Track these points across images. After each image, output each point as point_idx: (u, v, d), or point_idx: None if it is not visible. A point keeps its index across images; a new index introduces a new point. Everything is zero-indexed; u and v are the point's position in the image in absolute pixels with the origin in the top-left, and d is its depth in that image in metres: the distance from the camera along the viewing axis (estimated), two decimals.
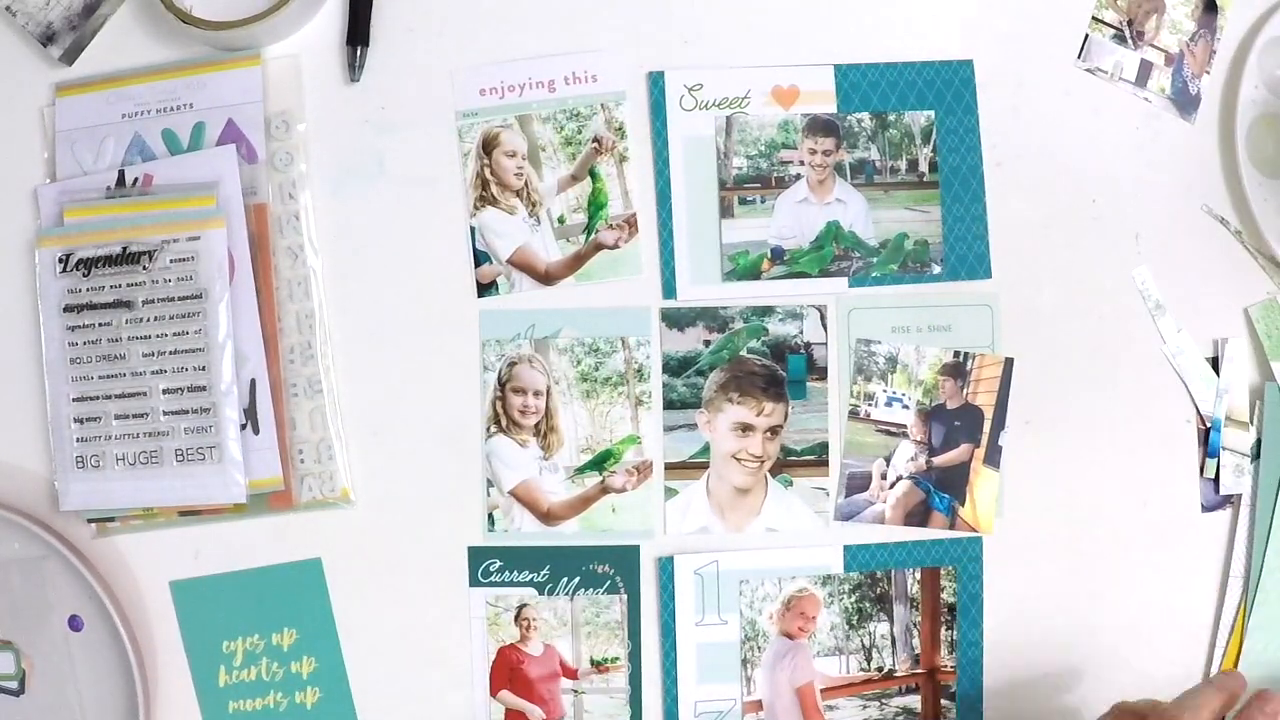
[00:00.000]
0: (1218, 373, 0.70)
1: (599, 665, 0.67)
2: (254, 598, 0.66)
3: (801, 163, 0.68)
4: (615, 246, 0.68)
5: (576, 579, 0.67)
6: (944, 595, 0.68)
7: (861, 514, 0.68)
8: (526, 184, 0.68)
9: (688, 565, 0.67)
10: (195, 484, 0.64)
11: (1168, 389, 0.70)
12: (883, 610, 0.68)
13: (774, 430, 0.68)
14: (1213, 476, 0.70)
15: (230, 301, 0.64)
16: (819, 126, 0.68)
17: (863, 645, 0.68)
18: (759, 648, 0.68)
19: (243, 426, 0.64)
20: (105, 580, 0.64)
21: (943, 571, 0.68)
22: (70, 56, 0.66)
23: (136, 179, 0.65)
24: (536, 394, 0.67)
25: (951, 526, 0.68)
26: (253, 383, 0.64)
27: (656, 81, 0.68)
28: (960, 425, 0.68)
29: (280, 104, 0.66)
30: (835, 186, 0.68)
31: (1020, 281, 0.69)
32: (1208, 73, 0.71)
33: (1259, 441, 0.70)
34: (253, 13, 0.64)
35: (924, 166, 0.68)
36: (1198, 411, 0.70)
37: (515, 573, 0.67)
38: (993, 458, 0.69)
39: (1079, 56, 0.70)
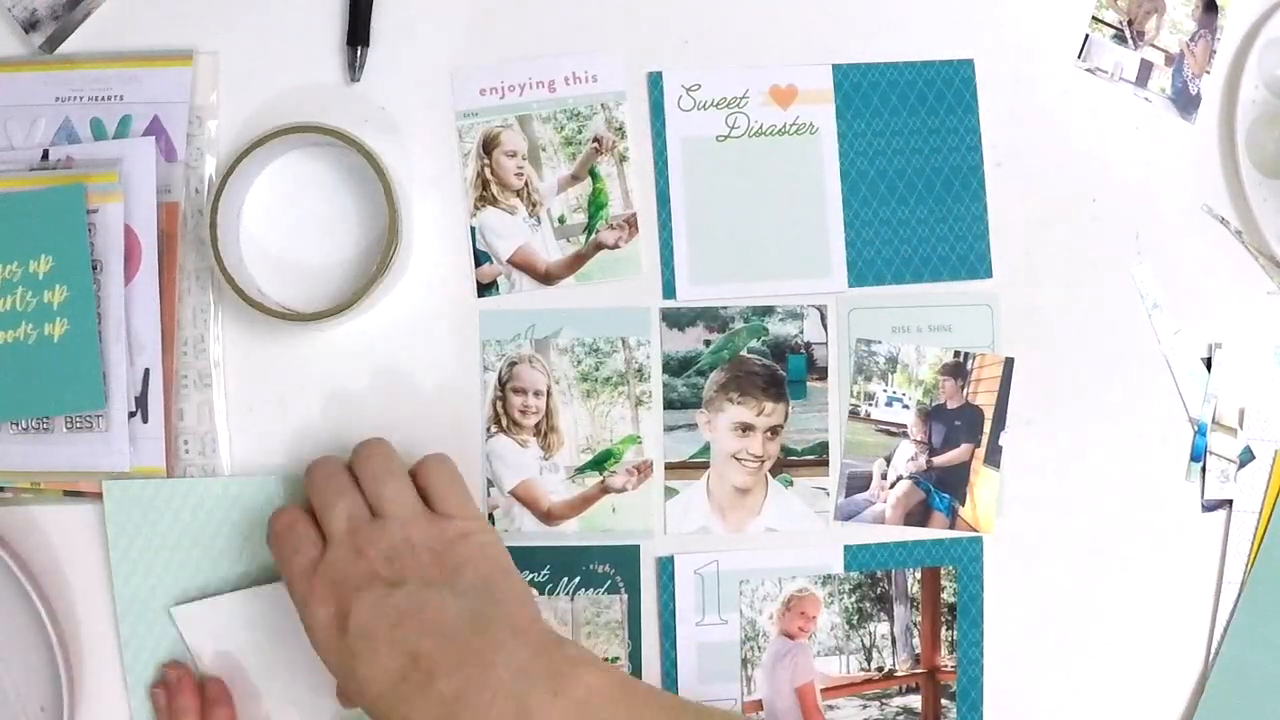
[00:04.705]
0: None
1: None
2: (11, 223, 0.65)
3: None
4: (615, 246, 0.68)
5: (577, 579, 0.67)
6: (944, 595, 0.68)
7: (861, 514, 0.68)
8: (527, 184, 0.68)
9: (688, 565, 0.67)
10: (83, 451, 0.65)
11: (1168, 389, 0.70)
12: (883, 610, 0.68)
13: (774, 430, 0.68)
14: (1198, 481, 0.69)
15: (133, 288, 0.65)
16: None
17: (863, 645, 0.68)
18: (759, 648, 0.68)
19: (132, 414, 0.65)
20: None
21: (943, 571, 0.68)
22: (51, 45, 0.67)
23: (59, 159, 0.66)
24: (537, 394, 0.67)
25: (951, 526, 0.68)
26: (146, 372, 0.65)
27: (655, 82, 0.68)
28: (960, 425, 0.68)
29: (199, 99, 0.67)
30: None
31: (1020, 281, 0.69)
32: (1208, 73, 0.71)
33: (1248, 448, 0.70)
34: (337, 302, 0.64)
35: None
36: (1188, 415, 0.70)
37: None
38: (993, 458, 0.69)
39: (1079, 56, 0.70)
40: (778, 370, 0.68)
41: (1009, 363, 0.69)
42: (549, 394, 0.67)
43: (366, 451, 0.61)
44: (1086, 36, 0.70)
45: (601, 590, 0.67)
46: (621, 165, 0.68)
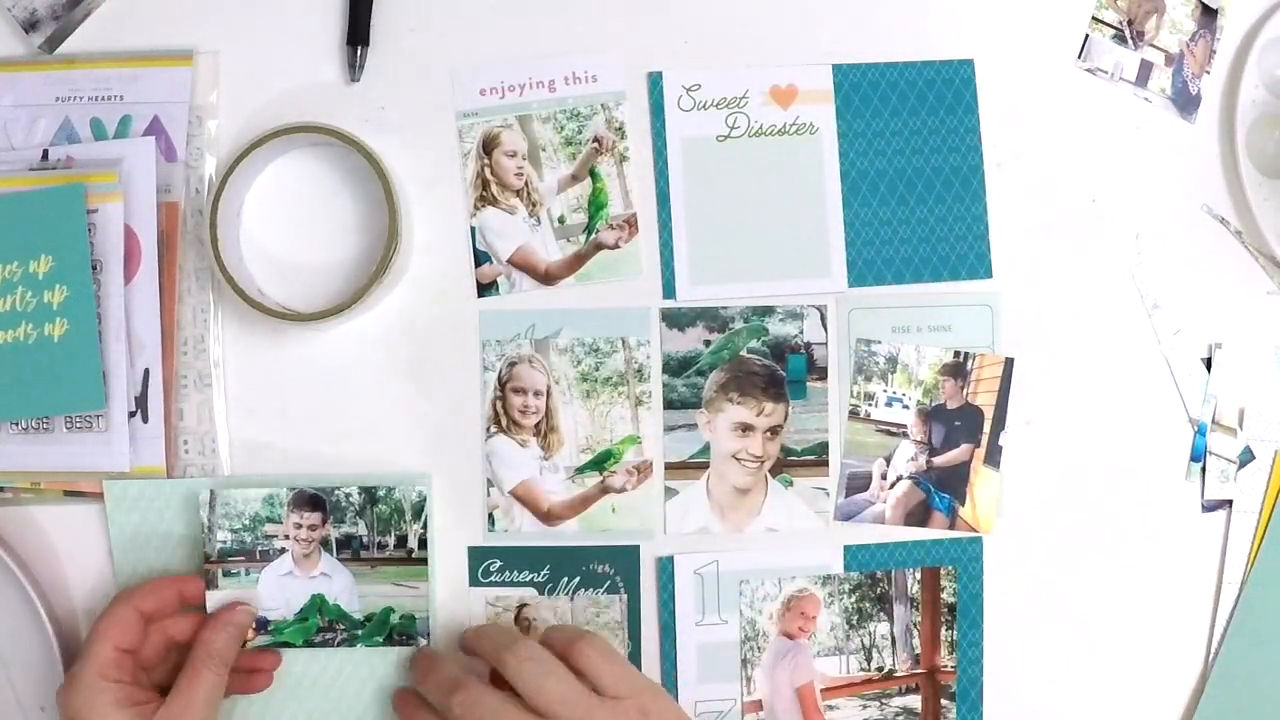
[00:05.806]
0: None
1: None
2: (11, 223, 0.64)
3: (287, 536, 0.65)
4: (615, 246, 0.68)
5: (576, 579, 0.67)
6: (944, 595, 0.68)
7: (861, 514, 0.68)
8: (527, 184, 0.68)
9: (688, 565, 0.67)
10: (83, 451, 0.65)
11: (1168, 389, 0.70)
12: (883, 610, 0.68)
13: (774, 430, 0.68)
14: (1198, 481, 0.69)
15: (133, 288, 0.65)
16: (304, 501, 0.65)
17: (863, 645, 0.68)
18: (759, 648, 0.68)
19: (132, 414, 0.65)
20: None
21: (943, 571, 0.68)
22: (51, 45, 0.67)
23: (59, 159, 0.66)
24: (537, 394, 0.67)
25: (951, 526, 0.68)
26: (146, 372, 0.65)
27: (655, 82, 0.68)
28: (960, 425, 0.68)
29: (198, 99, 0.67)
30: (321, 561, 0.65)
31: (1020, 281, 0.69)
32: (1208, 73, 0.71)
33: (1248, 448, 0.70)
34: (337, 302, 0.64)
35: (413, 543, 0.65)
36: (1188, 415, 0.70)
37: (515, 573, 0.67)
38: (993, 458, 0.69)
39: (1079, 56, 0.70)
40: (778, 370, 0.68)
41: (1009, 363, 0.69)
42: (549, 394, 0.67)
43: (522, 654, 0.58)
44: (1086, 36, 0.70)
45: (601, 590, 0.67)
46: (621, 165, 0.68)
